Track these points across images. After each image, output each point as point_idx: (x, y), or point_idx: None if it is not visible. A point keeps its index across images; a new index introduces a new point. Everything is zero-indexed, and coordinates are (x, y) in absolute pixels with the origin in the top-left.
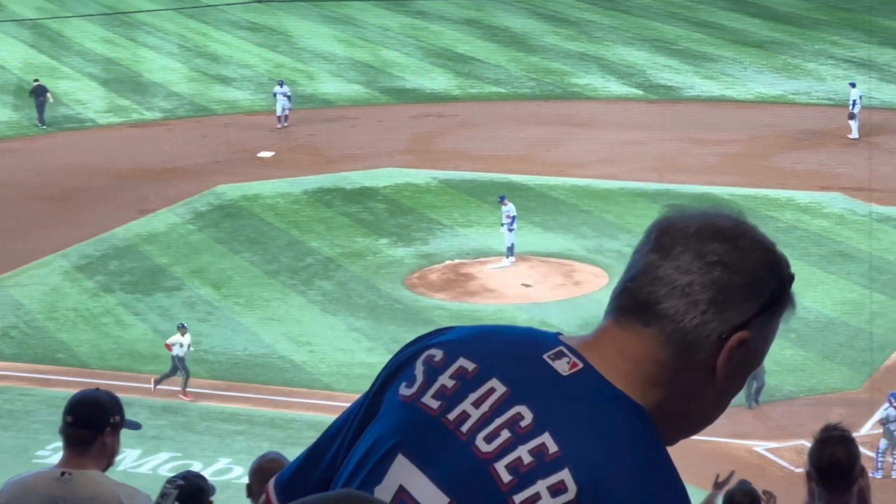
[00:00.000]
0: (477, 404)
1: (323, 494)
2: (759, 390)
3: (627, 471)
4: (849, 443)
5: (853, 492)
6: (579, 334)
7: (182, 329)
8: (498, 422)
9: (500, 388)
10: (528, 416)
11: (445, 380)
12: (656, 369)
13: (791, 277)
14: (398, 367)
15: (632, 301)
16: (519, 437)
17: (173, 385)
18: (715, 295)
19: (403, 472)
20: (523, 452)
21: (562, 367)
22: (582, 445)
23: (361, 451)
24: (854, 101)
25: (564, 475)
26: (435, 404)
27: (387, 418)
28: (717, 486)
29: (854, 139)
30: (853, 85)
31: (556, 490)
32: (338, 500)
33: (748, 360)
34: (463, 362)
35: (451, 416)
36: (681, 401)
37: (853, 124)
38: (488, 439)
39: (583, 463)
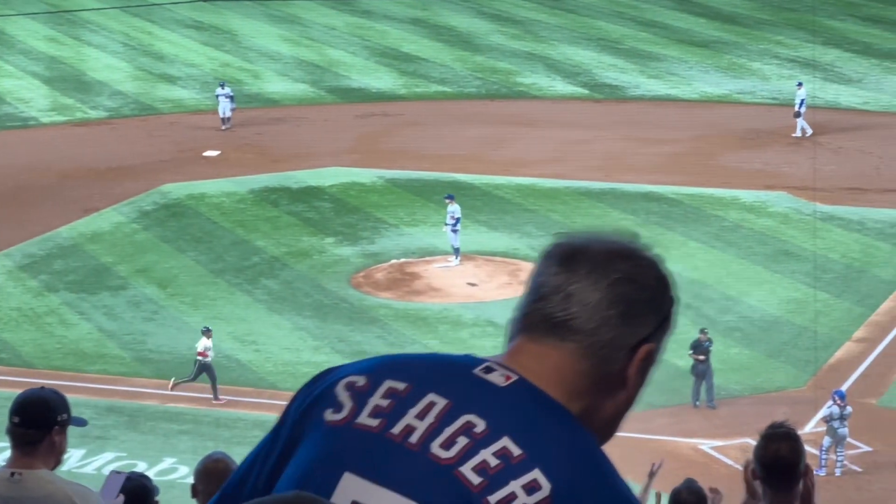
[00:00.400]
0: (420, 417)
1: (275, 496)
2: (710, 389)
3: (590, 469)
4: (794, 440)
5: (797, 490)
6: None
7: (207, 333)
8: (449, 430)
9: (441, 401)
10: (480, 424)
11: (378, 400)
12: (577, 380)
13: (676, 296)
14: (315, 399)
15: (547, 319)
16: (478, 443)
17: (115, 385)
18: (625, 310)
19: (355, 489)
20: (487, 456)
21: (497, 379)
22: (544, 447)
23: (293, 477)
24: (802, 100)
25: (536, 474)
26: (374, 422)
27: (315, 444)
28: (651, 474)
29: (798, 138)
30: (800, 84)
31: (531, 488)
32: (290, 501)
33: (650, 369)
34: (391, 384)
35: (396, 430)
36: (599, 408)
37: (800, 123)
38: (445, 446)
39: (551, 463)
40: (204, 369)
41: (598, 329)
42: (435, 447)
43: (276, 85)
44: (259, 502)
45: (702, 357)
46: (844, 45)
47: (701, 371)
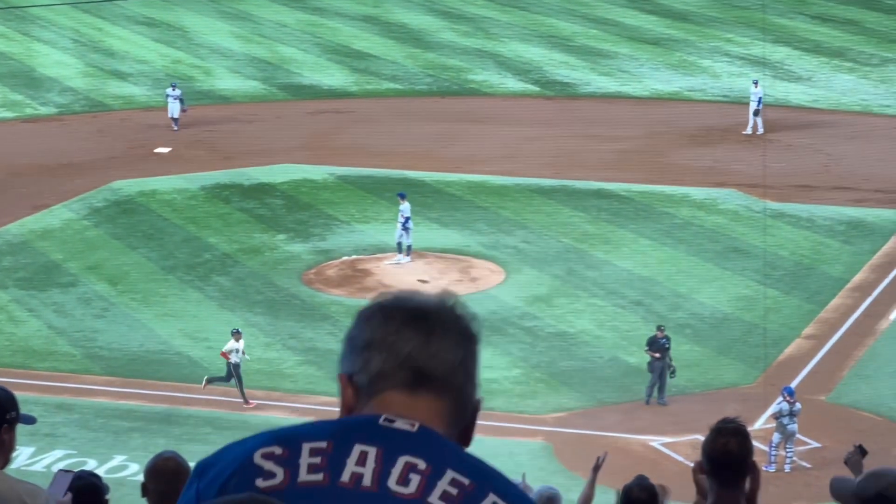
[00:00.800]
0: (361, 464)
1: (228, 496)
2: (662, 388)
3: (520, 492)
4: (743, 436)
5: (744, 486)
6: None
7: (236, 335)
8: (396, 471)
9: (371, 449)
10: (420, 462)
11: (308, 460)
12: (452, 430)
13: None
14: (229, 479)
15: (419, 376)
16: (430, 477)
17: (65, 382)
18: (475, 366)
19: None
20: (445, 486)
21: (404, 426)
22: (483, 475)
23: None
24: (760, 98)
25: (494, 498)
26: (318, 477)
27: None
28: (595, 468)
29: (748, 135)
30: (756, 83)
31: None
32: (244, 501)
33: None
34: (311, 445)
35: (345, 478)
36: None
37: (755, 120)
38: (402, 484)
39: (497, 488)
40: (229, 368)
41: (464, 385)
42: (392, 486)
43: (228, 82)
44: (214, 503)
45: (657, 354)
46: (794, 43)
47: (657, 368)
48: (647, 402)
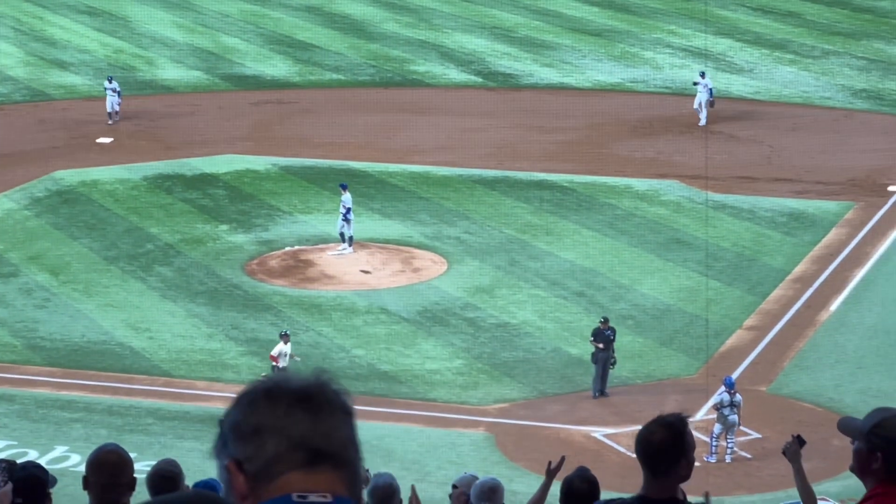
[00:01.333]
0: None
1: (174, 495)
2: (603, 379)
3: None
4: (673, 428)
5: (677, 476)
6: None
7: (285, 337)
8: None
9: None
10: None
11: None
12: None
13: None
14: None
15: (316, 455)
16: None
17: (6, 373)
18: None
19: None
20: None
21: (319, 498)
22: None
23: None
24: (711, 89)
25: None
26: None
27: None
28: (550, 473)
29: (703, 126)
30: (703, 74)
31: None
32: (190, 499)
33: None
34: None
35: None
36: None
37: (705, 112)
38: None
39: None
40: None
41: (356, 458)
42: None
43: (170, 72)
44: (160, 500)
45: (601, 345)
46: (736, 35)
47: (601, 359)
48: (596, 396)
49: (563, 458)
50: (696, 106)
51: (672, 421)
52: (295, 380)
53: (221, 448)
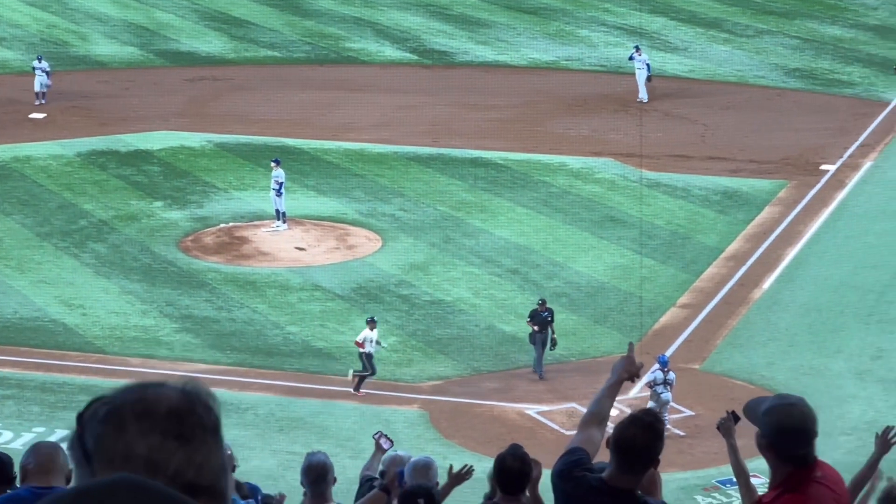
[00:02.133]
0: None
1: (99, 480)
2: (539, 359)
3: None
4: (653, 429)
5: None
6: None
7: (371, 323)
8: None
9: None
10: None
11: None
12: None
13: None
14: None
15: (192, 489)
16: None
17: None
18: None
19: None
20: None
21: None
22: None
23: None
24: (648, 64)
25: None
26: None
27: None
28: (456, 476)
29: (645, 102)
30: (638, 49)
31: None
32: (113, 484)
33: None
34: None
35: None
36: None
37: (646, 87)
38: None
39: None
40: (362, 359)
41: (227, 488)
42: None
43: (104, 48)
44: (84, 486)
45: (537, 327)
46: (671, 14)
47: (539, 340)
48: (542, 377)
49: (471, 469)
50: (638, 82)
51: (651, 422)
52: (164, 400)
53: (82, 459)
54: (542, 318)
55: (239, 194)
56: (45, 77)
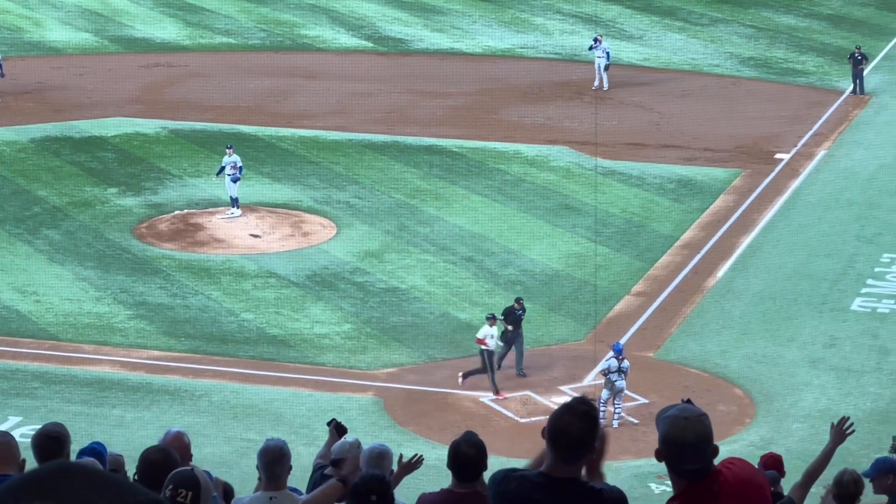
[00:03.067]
0: None
1: (36, 469)
2: (520, 357)
3: None
4: (588, 417)
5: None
6: None
7: (491, 320)
8: None
9: None
10: None
11: None
12: None
13: None
14: None
15: None
16: None
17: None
18: None
19: None
20: None
21: None
22: None
23: None
24: (608, 52)
25: None
26: None
27: None
28: (406, 465)
29: (597, 89)
30: (598, 39)
31: None
32: (51, 471)
33: None
34: None
35: None
36: None
37: (605, 76)
38: None
39: None
40: (483, 357)
41: None
42: None
43: (59, 33)
44: (26, 475)
45: (510, 327)
46: (626, 2)
47: (510, 339)
48: (519, 374)
49: (421, 457)
50: (600, 71)
51: (586, 410)
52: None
53: None
54: (516, 317)
55: (194, 181)
56: None
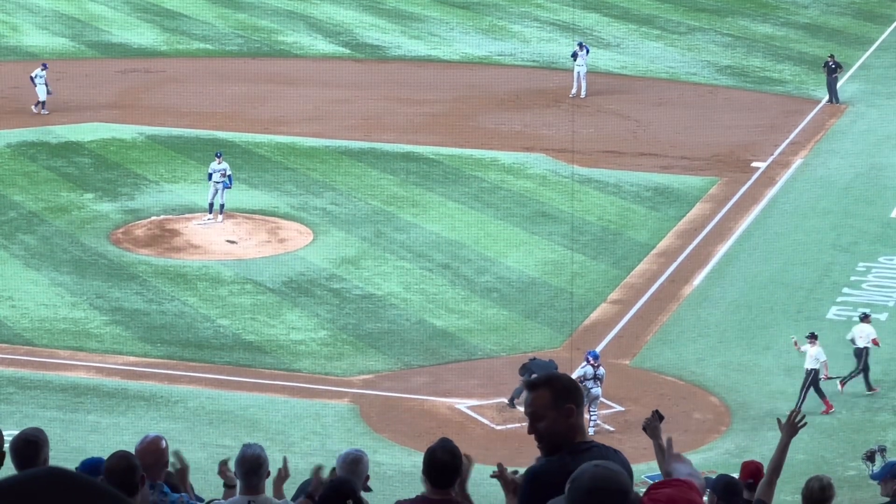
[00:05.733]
0: None
1: (27, 472)
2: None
3: None
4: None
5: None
6: None
7: (866, 319)
8: None
9: None
10: None
11: None
12: None
13: None
14: None
15: None
16: None
17: None
18: None
19: None
20: None
21: None
22: None
23: None
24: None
25: None
26: None
27: None
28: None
29: (574, 97)
30: (582, 45)
31: None
32: (42, 477)
33: None
34: None
35: None
36: None
37: (585, 83)
38: None
39: None
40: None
41: None
42: None
43: (35, 38)
44: (13, 478)
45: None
46: (603, 10)
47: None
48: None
49: (321, 467)
50: (581, 79)
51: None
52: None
53: None
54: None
55: (170, 187)
56: None
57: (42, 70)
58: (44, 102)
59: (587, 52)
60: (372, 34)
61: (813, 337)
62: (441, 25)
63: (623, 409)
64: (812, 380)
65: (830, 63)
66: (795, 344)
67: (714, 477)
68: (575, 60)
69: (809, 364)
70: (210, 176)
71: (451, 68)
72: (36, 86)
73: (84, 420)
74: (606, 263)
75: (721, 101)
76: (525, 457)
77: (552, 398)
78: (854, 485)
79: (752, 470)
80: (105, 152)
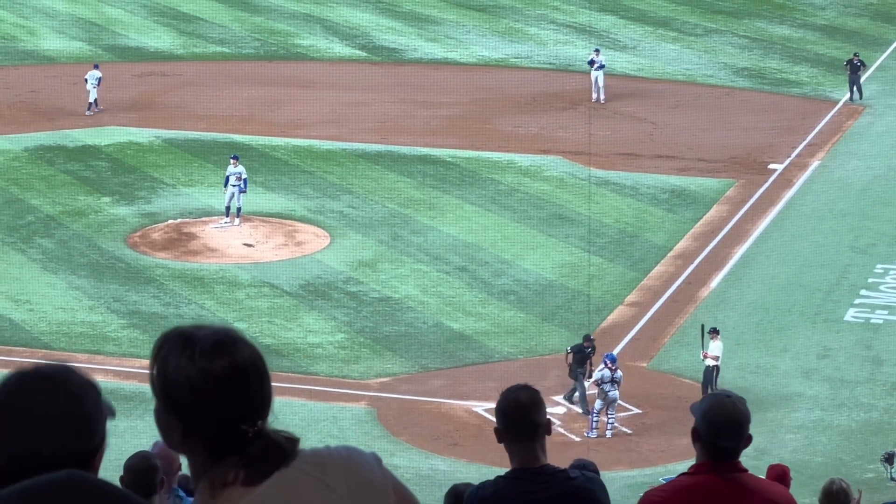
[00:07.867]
0: None
1: (46, 476)
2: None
3: None
4: (531, 389)
5: (541, 443)
6: None
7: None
8: None
9: None
10: None
11: None
12: None
13: None
14: None
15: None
16: None
17: None
18: None
19: None
20: None
21: None
22: None
23: None
24: (602, 65)
25: None
26: None
27: None
28: None
29: (602, 103)
30: (598, 50)
31: None
32: (61, 482)
33: None
34: None
35: None
36: None
37: (603, 89)
38: None
39: None
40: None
41: None
42: None
43: (53, 42)
44: (33, 482)
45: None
46: (620, 12)
47: (578, 375)
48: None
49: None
50: (601, 84)
51: (528, 386)
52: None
53: None
54: (585, 355)
55: (187, 190)
56: None
57: (95, 69)
58: (95, 101)
59: (593, 59)
60: (388, 37)
61: (715, 332)
62: (457, 28)
63: (640, 411)
64: (716, 376)
65: (855, 61)
66: (704, 356)
67: None
68: (592, 67)
69: (711, 361)
70: (227, 179)
71: (467, 71)
72: (88, 87)
73: None
74: (623, 266)
75: (738, 103)
76: None
77: None
78: (872, 487)
79: (777, 473)
80: (122, 156)
